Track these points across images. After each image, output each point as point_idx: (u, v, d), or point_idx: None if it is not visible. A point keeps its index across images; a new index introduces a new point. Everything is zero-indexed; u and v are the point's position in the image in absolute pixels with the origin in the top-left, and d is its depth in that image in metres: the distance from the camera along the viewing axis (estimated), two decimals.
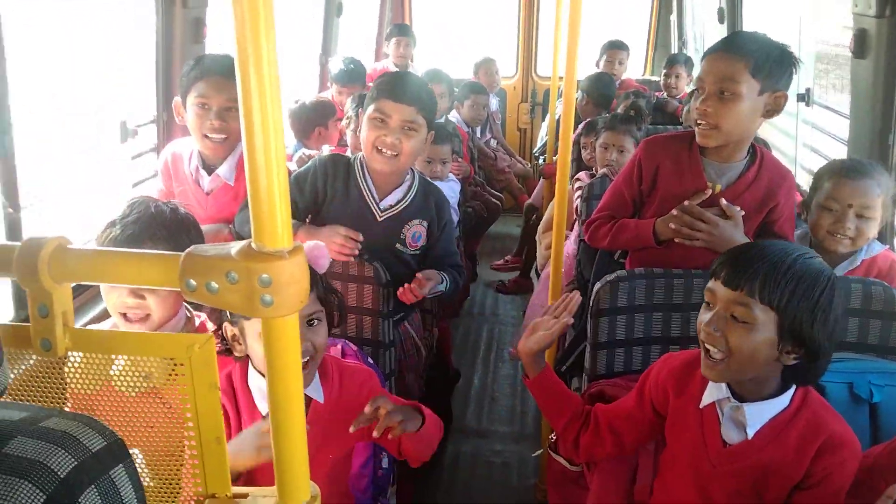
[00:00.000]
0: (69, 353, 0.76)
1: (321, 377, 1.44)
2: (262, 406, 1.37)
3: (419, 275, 1.89)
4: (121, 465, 0.64)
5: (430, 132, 1.98)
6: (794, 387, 1.27)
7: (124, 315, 1.41)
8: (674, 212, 1.73)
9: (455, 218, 2.99)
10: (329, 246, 1.88)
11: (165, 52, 2.35)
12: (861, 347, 1.69)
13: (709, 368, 1.25)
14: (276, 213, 0.64)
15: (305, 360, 1.34)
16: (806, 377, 1.25)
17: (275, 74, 0.62)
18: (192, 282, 0.66)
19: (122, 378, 0.77)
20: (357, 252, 1.87)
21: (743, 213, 1.72)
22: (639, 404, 1.43)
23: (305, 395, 1.39)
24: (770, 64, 1.64)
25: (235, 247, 0.65)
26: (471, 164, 3.99)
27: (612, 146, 2.89)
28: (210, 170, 2.05)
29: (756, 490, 1.27)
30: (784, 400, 1.26)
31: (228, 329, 1.33)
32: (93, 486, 0.60)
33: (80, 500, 0.58)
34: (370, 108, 1.91)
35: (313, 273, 1.37)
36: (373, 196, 1.97)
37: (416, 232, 2.00)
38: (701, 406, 1.31)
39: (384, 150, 1.88)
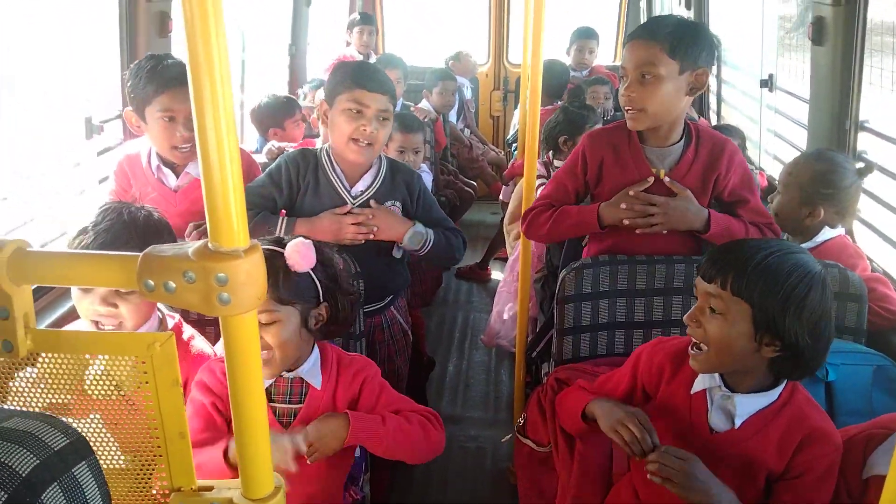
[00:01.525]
0: (41, 356, 0.77)
1: (321, 365, 1.48)
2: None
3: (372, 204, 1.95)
4: (84, 462, 0.65)
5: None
6: (785, 382, 1.31)
7: (96, 323, 1.40)
8: (622, 205, 1.76)
9: None
10: (344, 231, 1.92)
11: (130, 47, 2.32)
12: None
13: (694, 360, 1.31)
14: (231, 213, 0.66)
15: (263, 354, 1.36)
16: (793, 371, 1.28)
17: (226, 73, 0.63)
18: (151, 282, 0.67)
19: (94, 386, 0.78)
20: (375, 231, 1.93)
21: (689, 190, 1.77)
22: (631, 388, 1.45)
23: (303, 380, 1.45)
24: (686, 43, 1.68)
25: (192, 247, 0.67)
26: (443, 152, 4.01)
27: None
28: (173, 167, 2.04)
29: (738, 480, 1.30)
30: (773, 394, 1.30)
31: None
32: (56, 484, 0.61)
33: (42, 497, 0.59)
34: (343, 99, 1.90)
35: (281, 271, 1.36)
36: (343, 185, 1.99)
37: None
38: (692, 392, 1.35)
39: (362, 140, 1.90)
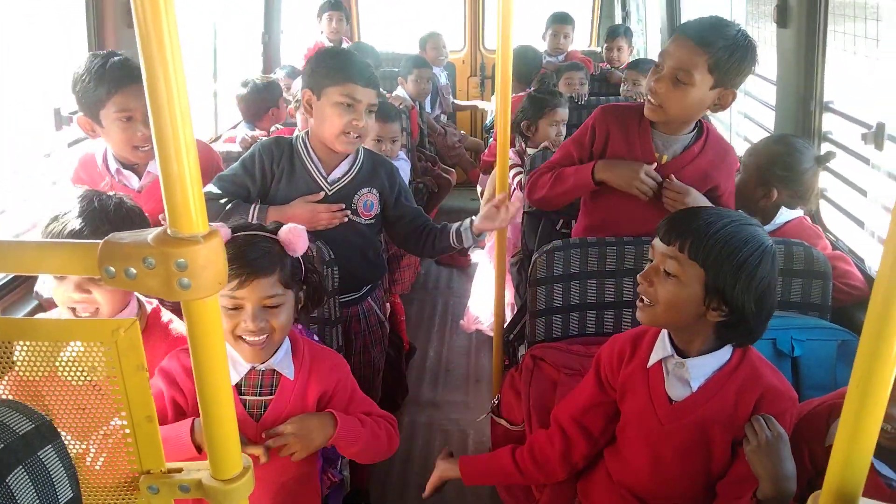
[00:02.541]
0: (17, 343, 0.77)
1: (293, 356, 1.48)
2: (233, 376, 1.42)
3: None
4: (50, 445, 0.67)
5: None
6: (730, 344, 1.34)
7: (73, 310, 1.41)
8: (641, 174, 1.79)
9: None
10: (318, 217, 1.93)
11: (97, 37, 2.30)
12: (784, 305, 1.79)
13: (640, 311, 1.35)
14: (188, 199, 0.67)
15: (263, 337, 1.39)
16: (736, 337, 1.32)
17: (178, 59, 0.64)
18: (111, 268, 0.68)
19: (67, 369, 0.79)
20: (348, 215, 1.96)
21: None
22: (599, 389, 1.47)
23: (276, 371, 1.45)
24: (731, 64, 1.68)
25: (151, 233, 0.68)
26: (420, 139, 4.01)
27: (564, 122, 2.98)
28: (134, 168, 2.02)
29: (702, 445, 1.35)
30: (724, 355, 1.34)
31: None
32: (21, 467, 0.63)
33: (7, 480, 0.61)
34: (334, 92, 1.90)
35: (282, 256, 1.42)
36: (320, 172, 1.99)
37: (367, 200, 2.02)
38: (648, 366, 1.39)
39: (351, 132, 1.91)
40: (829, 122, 2.33)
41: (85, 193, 1.46)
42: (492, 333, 2.65)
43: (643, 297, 1.34)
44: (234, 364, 1.44)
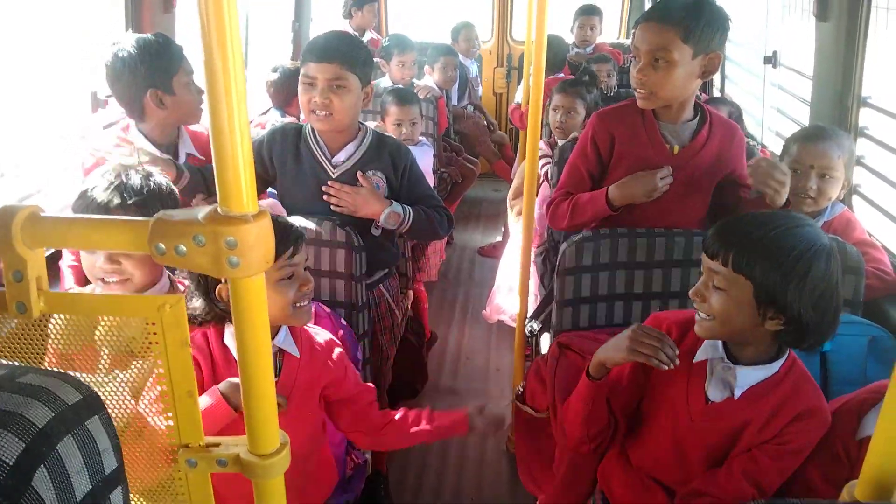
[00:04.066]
0: (53, 316, 0.79)
1: (293, 336, 1.50)
2: None
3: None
4: (96, 416, 0.68)
5: (367, 86, 1.99)
6: (786, 356, 1.32)
7: (102, 280, 1.44)
8: (660, 175, 1.76)
9: (430, 183, 3.01)
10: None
11: (135, 22, 2.32)
12: None
13: (698, 325, 1.33)
14: (240, 179, 0.68)
15: (308, 300, 1.46)
16: (799, 342, 1.29)
17: (237, 38, 0.65)
18: (162, 245, 0.69)
19: (105, 339, 0.80)
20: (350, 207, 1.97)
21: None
22: (632, 368, 1.44)
23: (284, 350, 1.47)
24: (700, 28, 1.68)
25: (202, 212, 0.69)
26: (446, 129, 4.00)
27: (561, 108, 2.94)
28: (168, 151, 2.04)
29: (726, 448, 1.34)
30: (774, 367, 1.31)
31: (224, 290, 1.36)
32: (70, 436, 0.64)
33: (57, 447, 0.62)
34: (301, 73, 1.95)
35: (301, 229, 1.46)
36: (324, 155, 2.01)
37: (373, 183, 2.02)
38: (695, 360, 1.37)
39: (316, 110, 1.92)
40: (866, 118, 2.29)
41: (113, 169, 1.48)
42: (514, 325, 2.65)
43: (699, 313, 1.32)
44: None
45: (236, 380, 1.22)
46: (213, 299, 1.38)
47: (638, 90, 1.77)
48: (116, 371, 0.83)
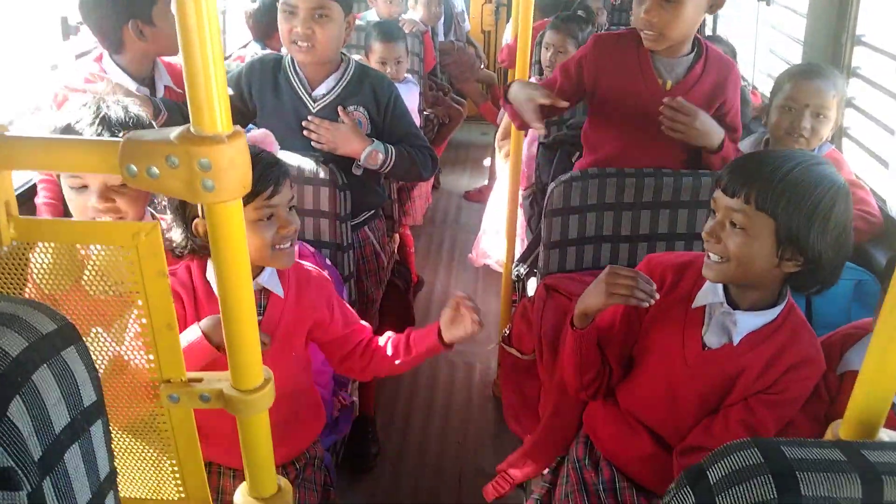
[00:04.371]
0: (34, 254, 0.76)
1: (279, 275, 1.46)
2: None
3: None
4: (72, 346, 0.66)
5: (350, 15, 1.92)
6: (784, 302, 1.29)
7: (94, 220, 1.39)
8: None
9: (416, 122, 2.95)
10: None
11: None
12: None
13: (708, 268, 1.27)
14: (213, 96, 0.64)
15: (290, 243, 1.39)
16: (811, 285, 1.26)
17: None
18: (133, 167, 0.66)
19: (91, 283, 0.77)
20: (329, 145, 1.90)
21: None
22: (625, 313, 1.41)
23: (267, 289, 1.43)
24: None
25: (174, 131, 0.65)
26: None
27: (551, 46, 2.88)
28: (146, 84, 1.97)
29: (724, 390, 1.32)
30: (773, 313, 1.28)
31: (201, 224, 1.32)
32: (45, 366, 0.62)
33: (32, 377, 0.60)
34: (280, 1, 1.87)
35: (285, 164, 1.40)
36: (304, 87, 1.95)
37: (355, 119, 1.96)
38: (693, 306, 1.33)
39: (298, 41, 1.85)
40: (860, 57, 2.26)
41: (93, 100, 1.41)
42: (500, 269, 2.65)
43: (710, 254, 1.26)
44: None
45: (217, 316, 1.19)
46: (190, 232, 1.34)
47: (645, 31, 1.72)
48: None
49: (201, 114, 0.64)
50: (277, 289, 1.44)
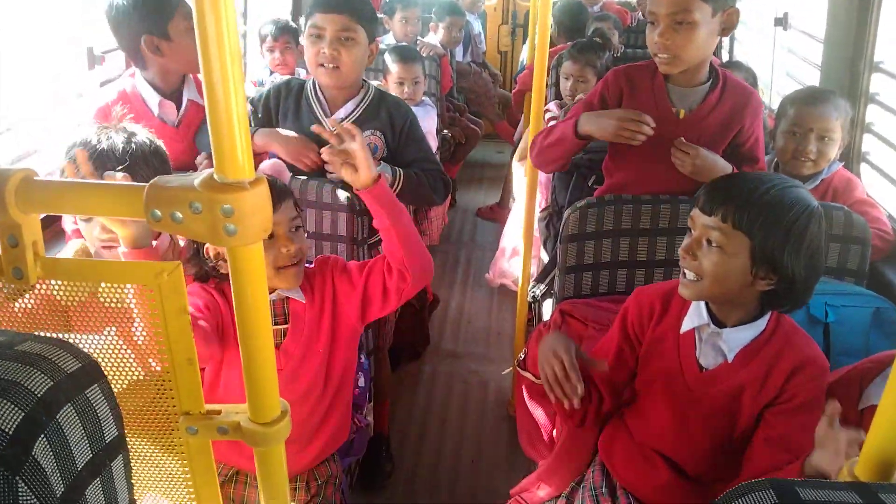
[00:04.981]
0: (51, 283, 0.78)
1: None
2: None
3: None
4: (96, 385, 0.68)
5: (373, 43, 1.96)
6: (769, 312, 1.31)
7: (107, 248, 1.43)
8: (619, 124, 1.71)
9: (433, 144, 2.98)
10: (301, 157, 1.92)
11: None
12: None
13: (684, 287, 1.30)
14: (236, 146, 0.66)
15: (297, 261, 1.43)
16: (783, 304, 1.29)
17: (230, 4, 0.63)
18: (157, 212, 0.68)
19: (105, 294, 0.79)
20: (318, 163, 1.88)
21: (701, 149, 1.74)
22: (625, 342, 1.44)
23: (289, 298, 1.48)
24: None
25: (198, 178, 0.67)
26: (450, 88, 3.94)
27: (571, 76, 2.88)
28: (171, 97, 2.01)
29: (729, 411, 1.33)
30: (760, 325, 1.30)
31: (212, 248, 1.35)
32: (69, 405, 0.64)
33: (57, 416, 0.62)
34: (308, 25, 1.91)
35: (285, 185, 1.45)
36: (323, 110, 1.98)
37: (371, 143, 1.98)
38: (682, 332, 1.35)
39: (324, 63, 1.89)
40: (877, 84, 2.25)
41: (96, 129, 1.42)
42: (516, 289, 2.65)
43: (686, 272, 1.29)
44: None
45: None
46: (201, 257, 1.37)
47: (659, 55, 1.72)
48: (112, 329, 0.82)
49: (225, 161, 0.66)
50: (298, 295, 1.50)
